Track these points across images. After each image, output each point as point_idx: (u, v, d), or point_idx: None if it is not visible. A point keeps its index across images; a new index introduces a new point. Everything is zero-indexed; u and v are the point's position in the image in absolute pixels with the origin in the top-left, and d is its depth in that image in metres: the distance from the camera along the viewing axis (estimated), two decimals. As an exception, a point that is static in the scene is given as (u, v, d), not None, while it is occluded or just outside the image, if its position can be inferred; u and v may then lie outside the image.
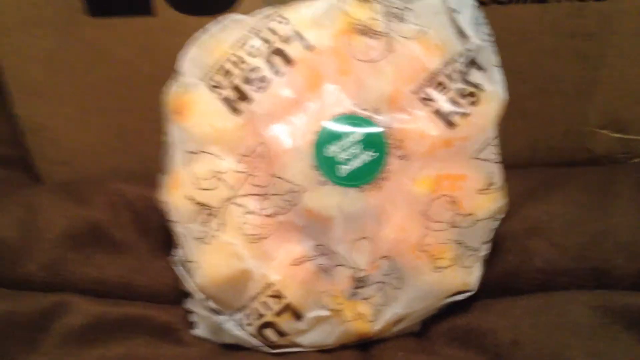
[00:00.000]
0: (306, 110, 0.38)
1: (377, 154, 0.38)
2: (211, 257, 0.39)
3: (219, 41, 0.39)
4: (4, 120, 0.50)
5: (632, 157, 0.54)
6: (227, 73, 0.39)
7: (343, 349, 0.41)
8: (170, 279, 0.43)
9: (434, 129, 0.38)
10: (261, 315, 0.39)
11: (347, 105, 0.38)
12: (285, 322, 0.39)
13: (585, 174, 0.50)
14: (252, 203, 0.38)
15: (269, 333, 0.40)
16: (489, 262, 0.42)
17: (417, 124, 0.38)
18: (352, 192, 0.38)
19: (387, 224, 0.39)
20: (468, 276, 0.40)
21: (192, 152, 0.39)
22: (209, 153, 0.39)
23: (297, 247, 0.39)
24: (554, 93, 0.51)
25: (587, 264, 0.42)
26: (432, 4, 0.40)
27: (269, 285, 0.39)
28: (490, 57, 0.40)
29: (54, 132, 0.49)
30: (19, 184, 0.51)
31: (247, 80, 0.38)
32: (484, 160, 0.39)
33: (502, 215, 0.40)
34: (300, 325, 0.40)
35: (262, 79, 0.38)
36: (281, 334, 0.40)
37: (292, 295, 0.39)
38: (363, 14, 0.39)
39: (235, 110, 0.38)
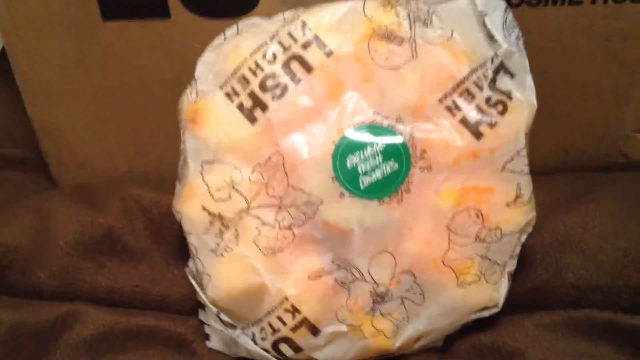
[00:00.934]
0: (325, 119, 0.37)
1: (399, 165, 0.36)
2: (225, 270, 0.38)
3: (236, 46, 0.38)
4: (21, 122, 0.49)
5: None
6: (244, 80, 0.37)
7: (362, 366, 0.40)
8: (185, 289, 0.42)
9: (460, 139, 0.36)
10: (276, 330, 0.38)
11: (368, 114, 0.37)
12: (301, 338, 0.38)
13: (621, 181, 0.48)
14: (267, 214, 0.37)
15: (284, 348, 0.38)
16: (518, 275, 0.40)
17: (441, 134, 0.36)
18: (372, 205, 0.36)
19: (409, 237, 0.37)
20: (494, 292, 0.38)
21: (207, 162, 0.38)
22: (224, 162, 0.37)
23: (315, 261, 0.37)
24: (589, 97, 0.49)
25: (621, 280, 0.40)
26: (459, 7, 0.38)
27: (284, 299, 0.37)
28: (521, 62, 0.38)
29: (69, 135, 0.48)
30: (33, 186, 0.50)
31: (264, 88, 0.37)
32: (512, 172, 0.37)
33: (530, 229, 0.38)
34: (317, 340, 0.38)
35: (279, 86, 0.37)
36: (297, 349, 0.38)
37: (308, 310, 0.37)
38: (386, 19, 0.37)
39: (251, 118, 0.37)
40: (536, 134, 0.39)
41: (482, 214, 0.37)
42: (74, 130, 0.47)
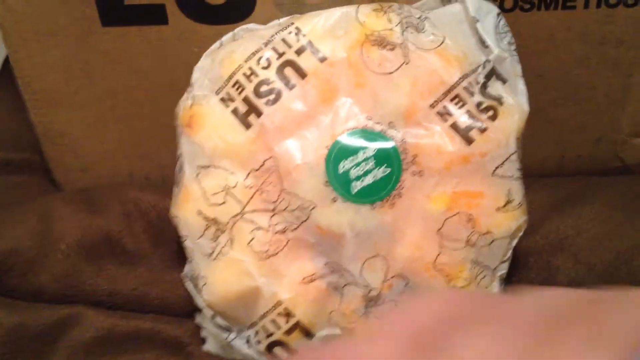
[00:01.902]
0: (319, 124, 0.37)
1: (391, 170, 0.37)
2: (220, 274, 0.38)
3: (231, 52, 0.38)
4: (26, 126, 0.50)
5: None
6: (239, 86, 0.38)
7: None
8: (183, 291, 0.43)
9: (451, 144, 0.37)
10: (270, 334, 0.38)
11: (361, 120, 0.37)
12: (295, 341, 0.38)
13: (616, 184, 0.48)
14: (261, 219, 0.38)
15: (279, 351, 0.39)
16: (510, 279, 0.41)
17: (433, 139, 0.37)
18: (364, 209, 0.37)
19: (400, 241, 0.37)
20: (485, 297, 0.39)
21: (202, 167, 0.38)
22: (219, 167, 0.38)
23: (308, 265, 0.38)
24: (584, 101, 0.49)
25: (614, 282, 0.40)
26: (452, 12, 0.39)
27: (278, 303, 0.38)
28: (512, 67, 0.38)
29: (72, 140, 0.48)
30: (37, 189, 0.51)
31: (258, 93, 0.37)
32: (503, 177, 0.37)
33: (521, 234, 0.39)
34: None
35: (274, 92, 0.37)
36: (292, 352, 0.39)
37: (302, 314, 0.38)
38: (379, 24, 0.38)
39: (246, 123, 0.38)
40: (532, 138, 0.39)
41: (473, 219, 0.37)
42: (76, 135, 0.48)
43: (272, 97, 0.37)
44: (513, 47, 0.39)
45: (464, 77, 0.37)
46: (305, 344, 0.37)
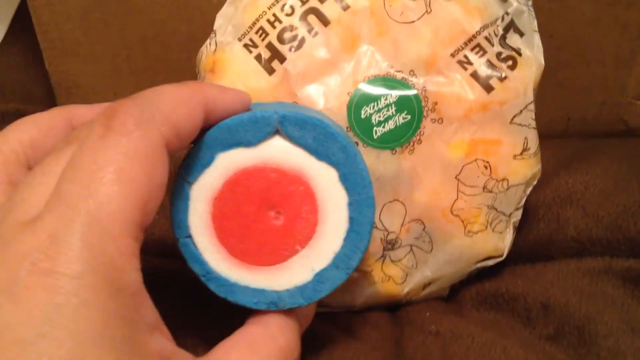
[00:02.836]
0: (341, 71, 0.38)
1: (411, 117, 0.38)
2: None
3: (254, 0, 0.39)
4: (39, 80, 0.50)
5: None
6: (262, 32, 0.38)
7: (371, 311, 0.41)
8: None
9: (471, 92, 0.38)
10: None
11: (383, 67, 0.38)
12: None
13: (622, 145, 0.50)
14: (284, 163, 0.38)
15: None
16: (521, 230, 0.42)
17: (453, 87, 0.38)
18: (384, 155, 0.38)
19: (419, 187, 0.38)
20: (499, 241, 0.40)
21: (225, 111, 0.39)
22: (242, 112, 0.38)
23: (328, 208, 0.39)
24: (592, 62, 0.50)
25: (620, 234, 0.41)
26: (472, -34, 0.39)
27: (299, 245, 0.39)
28: (529, 22, 0.39)
29: (86, 90, 0.49)
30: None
31: (282, 40, 0.38)
32: (520, 125, 0.38)
33: (536, 181, 0.40)
34: (329, 286, 0.40)
35: (297, 38, 0.38)
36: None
37: (321, 256, 0.39)
38: (401, -26, 0.38)
39: (269, 69, 0.38)
40: (540, 100, 0.40)
41: (490, 166, 0.38)
42: (91, 85, 0.48)
43: (295, 43, 0.38)
44: (530, 2, 0.40)
45: (485, 27, 0.38)
46: None
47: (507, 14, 0.38)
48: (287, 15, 0.38)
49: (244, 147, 0.30)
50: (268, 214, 0.30)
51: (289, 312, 0.31)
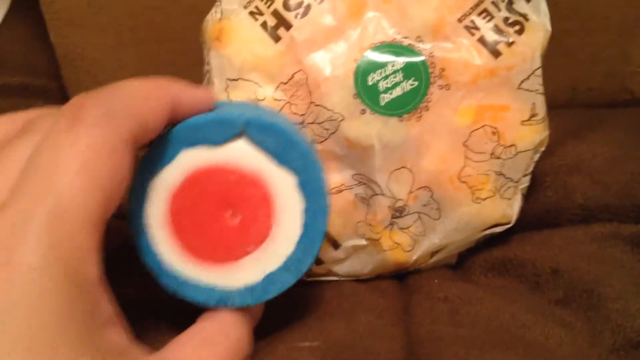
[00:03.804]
0: (347, 38, 0.38)
1: (418, 83, 0.37)
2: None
3: (260, -34, 0.39)
4: (43, 52, 0.50)
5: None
6: (268, -1, 0.38)
7: (379, 279, 0.41)
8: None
9: (478, 57, 0.37)
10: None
11: (389, 34, 0.38)
12: (323, 251, 0.39)
13: (628, 114, 0.50)
14: (291, 131, 0.38)
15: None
16: (529, 197, 0.42)
17: (460, 53, 0.38)
18: (392, 122, 0.38)
19: (427, 154, 0.38)
20: (507, 208, 0.40)
21: (231, 79, 0.39)
22: (248, 80, 0.38)
23: (336, 176, 0.39)
24: (597, 31, 0.50)
25: (628, 200, 0.41)
26: None
27: (307, 213, 0.39)
28: (536, -13, 0.39)
29: (91, 62, 0.49)
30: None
31: (288, 7, 0.38)
32: (528, 90, 0.38)
33: (544, 147, 0.40)
34: (337, 254, 0.40)
35: (303, 5, 0.38)
36: (318, 262, 0.40)
37: (330, 224, 0.39)
38: (407, -61, 0.38)
39: (275, 37, 0.38)
40: (545, 69, 0.40)
41: (498, 132, 0.38)
42: (95, 56, 0.48)
43: (301, 10, 0.38)
44: (536, -32, 0.40)
45: (491, -8, 0.38)
46: None
47: (514, -21, 0.38)
48: (293, -18, 0.38)
49: (208, 146, 0.30)
50: (225, 214, 0.31)
51: (240, 309, 0.32)
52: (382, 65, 0.37)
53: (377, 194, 0.39)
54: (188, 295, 0.31)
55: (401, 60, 0.37)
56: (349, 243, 0.39)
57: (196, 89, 0.30)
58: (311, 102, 0.38)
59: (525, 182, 0.40)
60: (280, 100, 0.38)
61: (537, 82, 0.38)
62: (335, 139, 0.38)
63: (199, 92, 0.30)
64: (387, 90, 0.37)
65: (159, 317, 0.36)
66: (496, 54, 0.37)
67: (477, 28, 0.38)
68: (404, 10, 0.38)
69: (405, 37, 0.38)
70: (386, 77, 0.37)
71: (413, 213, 0.39)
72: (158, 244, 0.31)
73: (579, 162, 0.44)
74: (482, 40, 0.38)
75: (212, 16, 0.39)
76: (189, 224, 0.31)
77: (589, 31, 0.50)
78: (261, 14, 0.38)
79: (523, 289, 0.38)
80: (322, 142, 0.38)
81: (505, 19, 0.38)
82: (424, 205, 0.39)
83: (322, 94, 0.38)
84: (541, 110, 0.39)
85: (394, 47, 0.38)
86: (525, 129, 0.38)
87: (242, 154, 0.31)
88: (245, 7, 0.38)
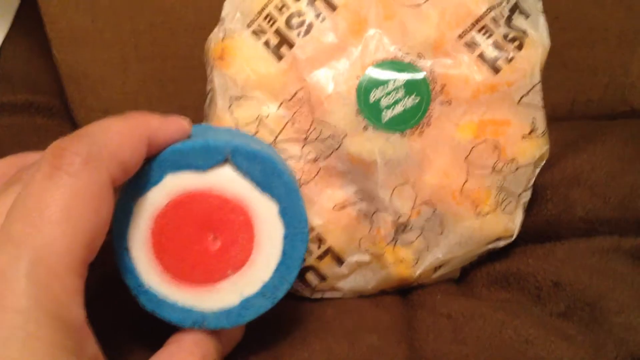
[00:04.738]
0: (349, 56, 0.38)
1: (420, 99, 0.38)
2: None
3: (262, -15, 0.39)
4: (47, 69, 0.51)
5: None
6: (270, 18, 0.38)
7: (383, 295, 0.41)
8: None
9: (478, 73, 0.38)
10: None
11: (390, 51, 0.38)
12: (327, 266, 0.40)
13: (627, 126, 0.50)
14: (293, 148, 0.39)
15: (311, 277, 0.40)
16: (530, 211, 0.42)
17: (461, 69, 0.38)
18: (394, 137, 0.38)
19: (429, 169, 0.39)
20: (509, 222, 0.40)
21: (235, 97, 0.39)
22: (251, 98, 0.39)
23: (339, 192, 0.39)
24: (597, 43, 0.50)
25: (629, 213, 0.41)
26: (476, -52, 0.40)
27: (311, 229, 0.39)
28: (534, 3, 0.39)
29: (95, 80, 0.49)
30: (58, 132, 0.51)
31: (290, 25, 0.38)
32: (528, 105, 0.38)
33: (544, 161, 0.40)
34: (341, 270, 0.40)
35: (305, 24, 0.38)
36: (322, 277, 0.40)
37: (333, 240, 0.39)
38: (407, -43, 0.38)
39: (278, 55, 0.38)
40: (545, 82, 0.40)
41: (499, 146, 0.39)
42: (99, 74, 0.49)
43: (303, 28, 0.38)
44: (535, -16, 0.40)
45: (491, 9, 0.38)
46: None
47: (513, -5, 0.39)
48: (295, 1, 0.38)
49: (194, 170, 0.31)
50: (206, 237, 0.32)
51: (211, 331, 0.32)
52: (384, 82, 0.38)
53: (379, 210, 0.39)
54: (165, 315, 0.32)
55: (402, 77, 0.38)
56: (352, 259, 0.40)
57: (171, 120, 0.31)
58: (314, 119, 0.38)
59: (526, 196, 0.40)
60: (283, 117, 0.39)
61: (537, 97, 0.39)
62: (338, 155, 0.38)
63: (173, 123, 0.31)
64: (389, 106, 0.38)
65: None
66: (496, 69, 0.38)
67: (477, 44, 0.38)
68: (404, 28, 0.38)
69: (407, 54, 0.38)
70: (388, 93, 0.38)
71: (416, 228, 0.39)
72: (138, 263, 0.31)
73: (579, 175, 0.44)
74: (482, 57, 0.38)
75: (215, 36, 0.40)
76: (170, 245, 0.31)
77: (588, 43, 0.50)
78: (264, 32, 0.39)
79: (525, 303, 0.38)
80: (325, 158, 0.38)
81: (505, 35, 0.38)
82: (427, 221, 0.39)
83: (325, 110, 0.38)
84: (541, 124, 0.39)
85: (395, 64, 0.38)
86: (526, 144, 0.39)
87: (226, 180, 0.31)
88: (248, 26, 0.39)
